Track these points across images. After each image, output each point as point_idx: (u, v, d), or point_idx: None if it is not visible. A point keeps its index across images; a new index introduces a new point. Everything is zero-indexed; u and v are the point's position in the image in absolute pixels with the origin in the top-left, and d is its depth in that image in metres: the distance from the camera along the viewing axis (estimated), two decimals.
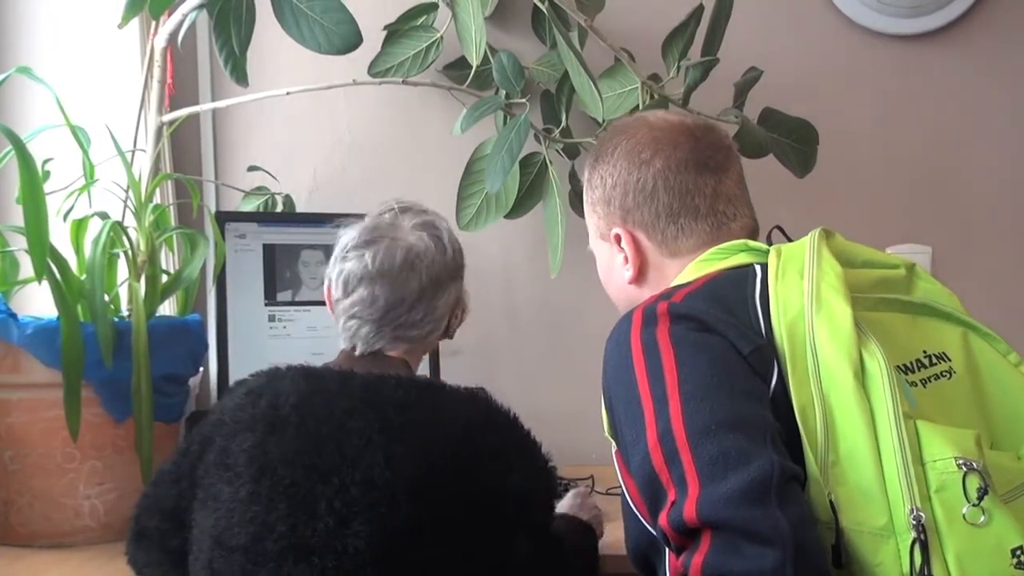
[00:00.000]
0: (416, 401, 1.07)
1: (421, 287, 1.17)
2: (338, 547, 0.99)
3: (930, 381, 0.92)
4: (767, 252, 0.98)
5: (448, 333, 1.25)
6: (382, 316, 1.17)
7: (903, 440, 0.80)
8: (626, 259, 1.10)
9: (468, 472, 1.05)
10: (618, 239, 1.10)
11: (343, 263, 1.19)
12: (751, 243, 1.03)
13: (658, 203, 1.07)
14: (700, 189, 1.07)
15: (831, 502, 0.81)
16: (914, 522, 0.78)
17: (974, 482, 0.79)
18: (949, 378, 0.93)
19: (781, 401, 0.85)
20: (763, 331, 0.90)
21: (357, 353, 1.18)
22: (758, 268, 0.97)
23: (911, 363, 0.92)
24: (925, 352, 0.94)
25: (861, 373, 0.84)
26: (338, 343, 1.28)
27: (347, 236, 1.22)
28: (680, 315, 0.89)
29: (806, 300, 0.88)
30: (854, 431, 0.82)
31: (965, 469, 0.79)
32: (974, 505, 0.78)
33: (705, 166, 1.08)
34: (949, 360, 0.94)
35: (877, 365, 0.84)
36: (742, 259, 1.01)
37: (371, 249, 1.18)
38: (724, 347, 0.87)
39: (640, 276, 1.10)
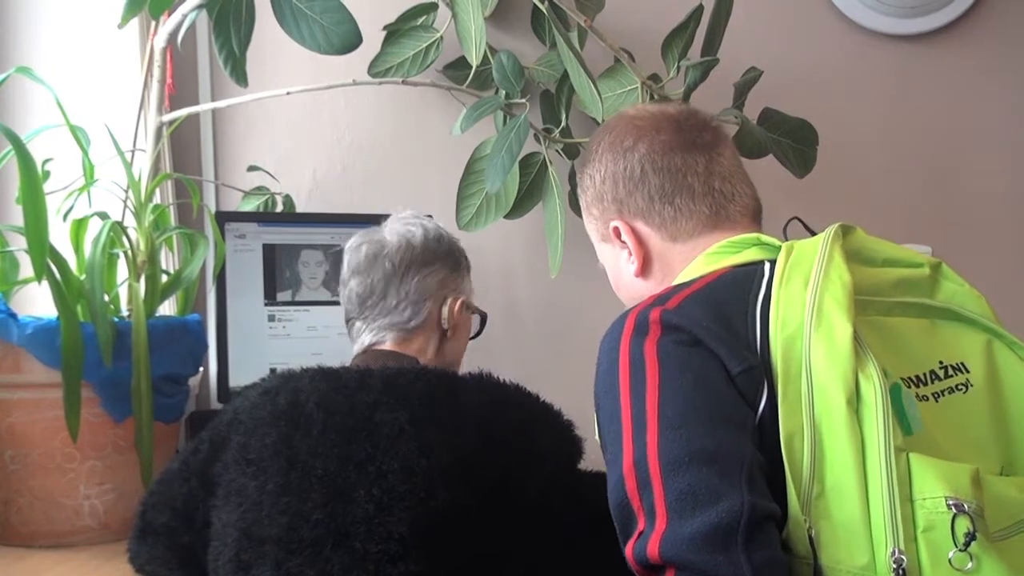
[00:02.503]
0: (437, 392, 1.09)
1: (385, 274, 1.26)
2: (382, 533, 1.00)
3: (943, 395, 0.87)
4: (779, 248, 0.94)
5: (446, 324, 1.28)
6: (359, 309, 1.27)
7: (892, 476, 0.77)
8: (630, 253, 1.08)
9: (499, 451, 1.07)
10: (617, 232, 1.08)
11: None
12: (763, 237, 1.00)
13: (649, 186, 1.05)
14: (691, 167, 1.05)
15: (811, 537, 0.78)
16: (895, 565, 0.75)
17: (963, 525, 0.75)
18: (965, 391, 0.89)
19: (768, 426, 0.82)
20: (758, 346, 0.86)
21: (356, 350, 1.25)
22: (767, 268, 0.93)
23: (924, 375, 0.88)
24: (941, 363, 0.89)
25: (855, 399, 0.80)
26: (338, 343, 1.30)
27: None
28: (671, 325, 0.87)
29: (807, 314, 0.84)
30: (843, 463, 0.78)
31: (955, 511, 0.76)
32: (961, 550, 0.75)
33: (693, 145, 1.06)
34: (967, 371, 0.90)
35: (873, 390, 0.79)
36: (753, 255, 0.98)
37: (351, 254, 1.30)
38: (712, 366, 0.84)
39: (645, 267, 1.07)
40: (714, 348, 0.85)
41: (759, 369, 0.84)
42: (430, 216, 1.37)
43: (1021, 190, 1.90)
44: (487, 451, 1.06)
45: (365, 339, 1.27)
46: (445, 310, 1.29)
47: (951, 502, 0.76)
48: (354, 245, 1.32)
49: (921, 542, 0.76)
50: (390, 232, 1.30)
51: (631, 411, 0.83)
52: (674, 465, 0.78)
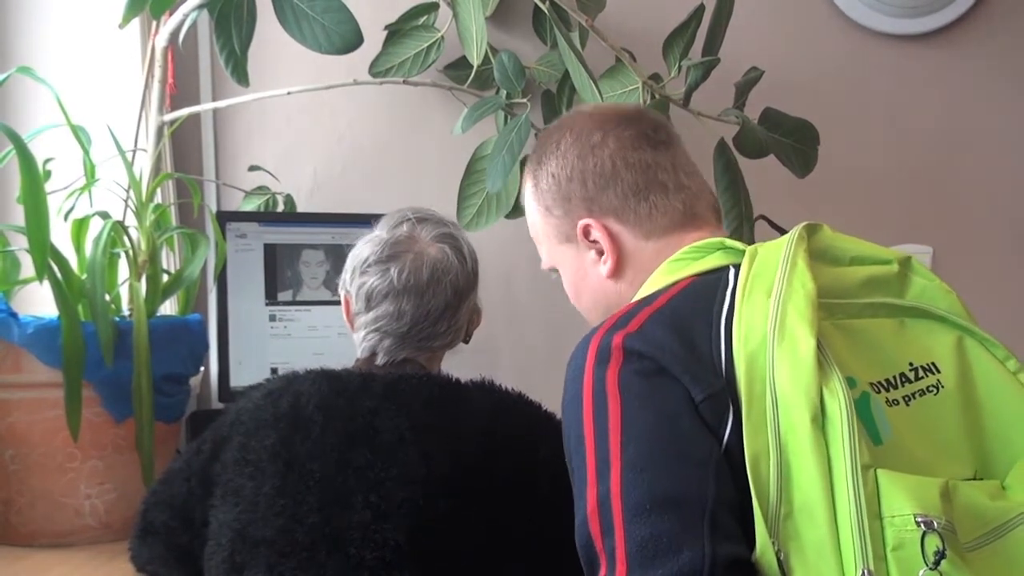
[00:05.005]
0: (440, 398, 1.08)
1: (446, 302, 1.19)
2: (378, 540, 1.00)
3: (914, 398, 0.86)
4: (743, 252, 0.92)
5: (466, 338, 1.27)
6: (408, 331, 1.18)
7: (859, 494, 0.75)
8: (599, 253, 1.05)
9: (499, 459, 1.06)
10: (586, 232, 1.04)
11: (364, 277, 1.19)
12: (727, 241, 0.97)
13: (622, 183, 1.03)
14: (660, 163, 1.03)
15: (779, 560, 0.76)
16: None
17: (932, 543, 0.73)
18: (936, 393, 0.87)
19: (735, 451, 0.80)
20: (723, 363, 0.84)
21: (379, 362, 1.19)
22: (731, 276, 0.91)
23: (894, 378, 0.86)
24: (911, 364, 0.87)
25: (821, 416, 0.77)
26: (339, 343, 1.29)
27: (365, 249, 1.21)
28: (633, 352, 0.84)
29: (769, 326, 0.81)
30: (810, 482, 0.76)
31: (924, 528, 0.74)
32: (931, 568, 0.73)
33: (656, 141, 1.04)
34: (938, 372, 0.88)
35: (838, 406, 0.77)
36: (717, 260, 0.96)
37: (395, 264, 1.18)
38: (675, 397, 0.82)
39: (618, 267, 1.04)
40: (677, 375, 0.83)
41: (723, 393, 0.82)
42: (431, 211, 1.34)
43: (1021, 190, 1.90)
44: (488, 460, 1.06)
45: (398, 355, 1.19)
46: (472, 328, 1.27)
47: (920, 519, 0.74)
48: (397, 256, 1.19)
49: (891, 561, 0.74)
50: (439, 251, 1.20)
51: (595, 448, 0.82)
52: (636, 511, 0.77)
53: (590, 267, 1.06)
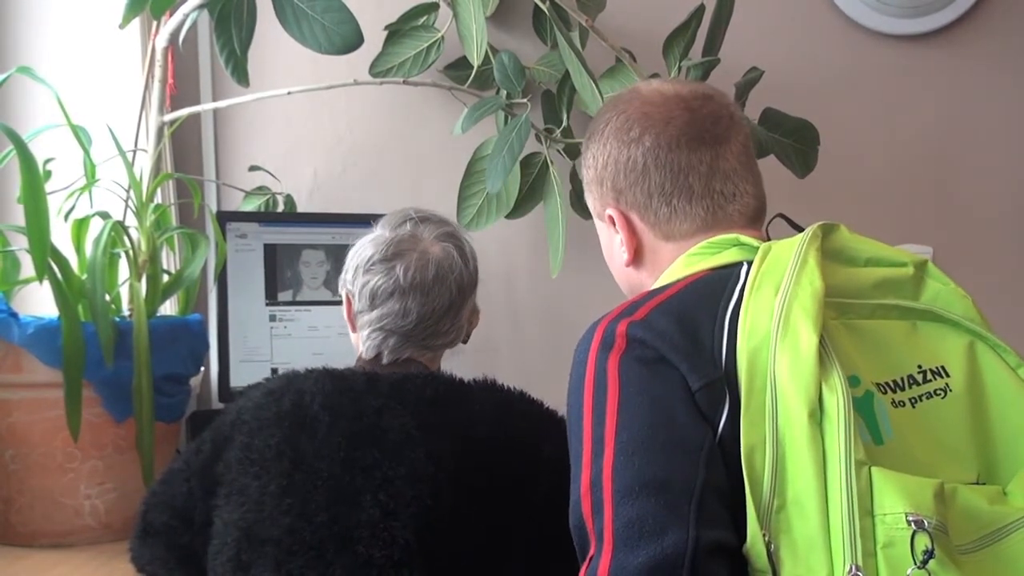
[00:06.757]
0: (445, 397, 1.09)
1: (451, 300, 1.19)
2: (386, 538, 1.01)
3: (920, 400, 0.86)
4: (757, 249, 0.93)
5: (464, 339, 1.27)
6: (412, 328, 1.18)
7: (852, 490, 0.75)
8: (622, 241, 1.07)
9: (503, 457, 1.07)
10: (612, 220, 1.07)
11: (368, 276, 1.19)
12: (742, 237, 0.98)
13: (649, 183, 1.03)
14: (694, 167, 1.02)
15: (769, 552, 0.77)
16: None
17: (922, 543, 0.74)
18: (943, 397, 0.87)
19: (729, 441, 0.81)
20: (724, 356, 0.85)
21: (384, 362, 1.19)
22: (743, 272, 0.92)
23: (902, 379, 0.87)
24: (920, 367, 0.88)
25: (818, 411, 0.78)
26: (339, 343, 1.29)
27: (368, 249, 1.21)
28: (636, 339, 0.86)
29: (774, 323, 0.82)
30: (804, 476, 0.77)
31: (915, 528, 0.74)
32: (919, 567, 0.74)
33: (700, 140, 1.02)
34: (947, 376, 0.88)
35: (836, 402, 0.78)
36: (732, 256, 0.97)
37: (400, 263, 1.18)
38: (672, 385, 0.84)
39: (636, 258, 1.06)
40: (676, 363, 0.84)
41: (720, 382, 0.83)
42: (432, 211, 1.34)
43: (1021, 190, 1.90)
44: (491, 458, 1.07)
45: (402, 353, 1.19)
46: (471, 328, 1.28)
47: (911, 518, 0.75)
48: (401, 254, 1.19)
49: (880, 558, 0.75)
50: (442, 250, 1.21)
51: (592, 431, 0.84)
52: (625, 493, 0.79)
53: (616, 249, 1.08)
